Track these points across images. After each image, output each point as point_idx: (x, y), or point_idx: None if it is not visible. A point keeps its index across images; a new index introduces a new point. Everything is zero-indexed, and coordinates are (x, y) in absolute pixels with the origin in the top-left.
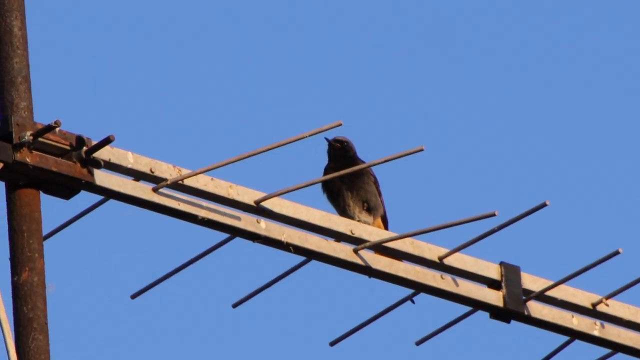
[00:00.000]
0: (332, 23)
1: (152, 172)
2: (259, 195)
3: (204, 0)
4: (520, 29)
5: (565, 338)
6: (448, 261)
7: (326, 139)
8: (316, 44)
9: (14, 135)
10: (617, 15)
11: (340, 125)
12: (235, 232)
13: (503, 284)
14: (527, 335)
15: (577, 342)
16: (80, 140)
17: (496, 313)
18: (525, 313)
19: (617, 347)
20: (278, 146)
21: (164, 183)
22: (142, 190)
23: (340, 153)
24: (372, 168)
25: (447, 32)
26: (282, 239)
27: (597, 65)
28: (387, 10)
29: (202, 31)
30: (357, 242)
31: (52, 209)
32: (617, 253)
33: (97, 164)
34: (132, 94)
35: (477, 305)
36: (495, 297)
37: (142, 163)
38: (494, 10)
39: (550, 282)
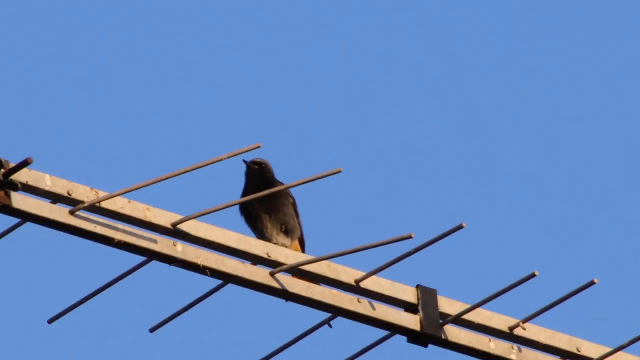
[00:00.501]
0: (249, 48)
1: (70, 195)
2: (176, 217)
3: (124, 30)
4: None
5: None
6: (364, 284)
7: (244, 160)
8: (234, 66)
9: None
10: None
11: (259, 147)
12: (151, 255)
13: (420, 308)
14: (445, 359)
15: None
16: None
17: (413, 337)
18: (443, 337)
19: None
20: (196, 168)
21: (80, 205)
22: (59, 212)
23: (259, 175)
24: (291, 190)
25: (361, 58)
26: (199, 262)
27: (514, 90)
28: (300, 37)
29: (119, 56)
30: (273, 265)
31: None
32: (533, 276)
33: (15, 186)
34: (49, 116)
35: (394, 329)
36: (412, 321)
37: (59, 185)
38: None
39: (467, 306)
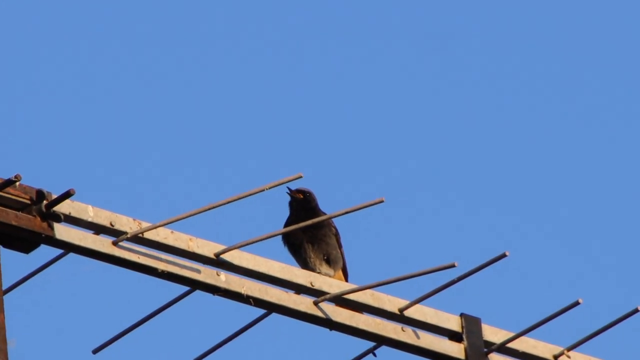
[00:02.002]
0: (289, 74)
1: (112, 226)
2: (219, 247)
3: (165, 66)
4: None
5: None
6: (408, 313)
7: (288, 188)
8: (277, 96)
9: None
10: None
11: (301, 177)
12: (195, 284)
13: (464, 336)
14: None
15: None
16: (41, 194)
17: None
18: None
19: None
20: (238, 198)
21: (124, 236)
22: (102, 243)
23: (302, 204)
24: (334, 220)
25: (399, 90)
26: (242, 292)
27: (526, 113)
28: (339, 61)
29: (163, 89)
30: (317, 294)
31: (12, 263)
32: (577, 304)
33: (58, 217)
34: (91, 147)
35: (439, 357)
36: (457, 350)
37: (102, 216)
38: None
39: (512, 334)
